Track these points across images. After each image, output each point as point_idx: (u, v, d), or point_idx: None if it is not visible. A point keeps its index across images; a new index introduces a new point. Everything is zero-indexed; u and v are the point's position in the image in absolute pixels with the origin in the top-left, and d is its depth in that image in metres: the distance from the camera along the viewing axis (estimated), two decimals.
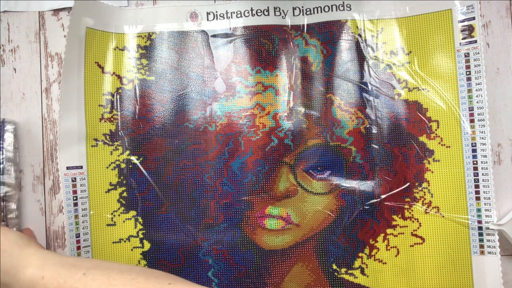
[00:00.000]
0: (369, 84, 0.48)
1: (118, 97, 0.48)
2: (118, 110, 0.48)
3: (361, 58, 0.48)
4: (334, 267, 0.47)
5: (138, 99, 0.48)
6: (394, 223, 0.47)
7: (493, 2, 0.49)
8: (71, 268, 0.33)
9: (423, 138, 0.47)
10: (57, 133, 0.45)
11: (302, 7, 0.49)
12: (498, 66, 0.49)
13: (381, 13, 0.48)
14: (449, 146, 0.47)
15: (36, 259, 0.34)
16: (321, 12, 0.49)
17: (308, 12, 0.49)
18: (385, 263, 0.47)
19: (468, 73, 0.46)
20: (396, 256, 0.47)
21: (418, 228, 0.47)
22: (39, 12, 0.49)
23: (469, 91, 0.46)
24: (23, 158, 0.48)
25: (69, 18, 0.45)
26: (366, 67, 0.48)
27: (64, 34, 0.49)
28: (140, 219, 0.47)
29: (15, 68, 0.49)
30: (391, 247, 0.47)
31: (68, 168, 0.46)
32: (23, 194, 0.48)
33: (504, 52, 0.49)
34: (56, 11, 0.49)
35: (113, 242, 0.47)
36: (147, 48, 0.48)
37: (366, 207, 0.47)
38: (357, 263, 0.47)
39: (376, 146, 0.47)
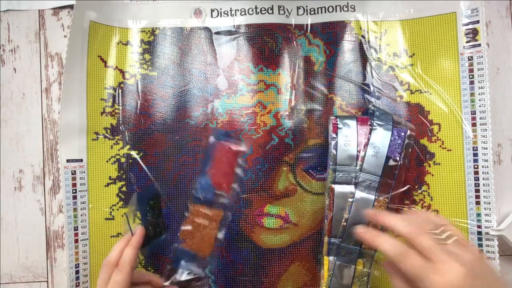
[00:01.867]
0: (371, 86, 0.48)
1: (120, 91, 0.48)
2: (120, 104, 0.48)
3: (364, 59, 0.48)
4: None
5: (140, 94, 0.48)
6: None
7: (493, 2, 0.49)
8: None
9: (424, 141, 0.47)
10: (58, 125, 0.46)
11: (307, 6, 0.49)
12: (498, 66, 0.49)
13: (385, 14, 0.48)
14: (450, 150, 0.47)
15: None
16: (325, 12, 0.49)
17: (312, 12, 0.49)
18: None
19: (471, 76, 0.46)
20: None
21: None
22: (39, 12, 0.49)
23: (472, 94, 0.46)
24: (23, 158, 0.48)
25: (73, 11, 0.45)
26: (368, 69, 0.48)
27: (64, 34, 0.49)
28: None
29: (15, 68, 0.49)
30: None
31: (68, 161, 0.46)
32: (23, 194, 0.48)
33: (504, 52, 0.49)
34: (56, 11, 0.49)
35: (111, 236, 0.47)
36: (150, 43, 0.48)
37: None
38: None
39: None
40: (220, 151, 0.45)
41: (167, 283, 0.44)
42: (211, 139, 0.46)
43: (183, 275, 0.44)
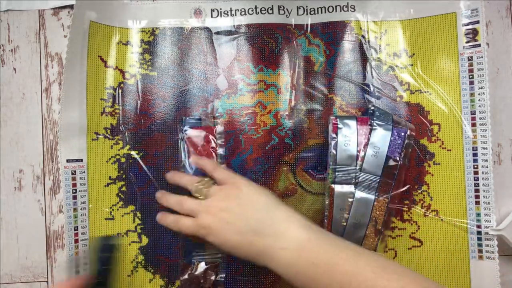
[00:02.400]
0: (371, 86, 0.48)
1: (120, 91, 0.48)
2: (120, 104, 0.48)
3: (363, 59, 0.48)
4: None
5: (140, 94, 0.48)
6: (392, 225, 0.47)
7: (493, 2, 0.49)
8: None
9: (424, 141, 0.47)
10: (58, 125, 0.46)
11: (307, 6, 0.49)
12: (498, 66, 0.49)
13: (385, 14, 0.48)
14: (450, 150, 0.47)
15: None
16: (325, 12, 0.49)
17: (312, 12, 0.49)
18: None
19: (471, 76, 0.46)
20: (393, 258, 0.47)
21: (416, 230, 0.47)
22: (39, 12, 0.49)
23: (472, 95, 0.46)
24: (23, 158, 0.48)
25: (73, 11, 0.45)
26: (368, 69, 0.48)
27: (64, 34, 0.49)
28: (138, 214, 0.47)
29: (15, 68, 0.49)
30: (389, 249, 0.47)
31: (68, 161, 0.46)
32: (23, 194, 0.48)
33: (504, 52, 0.49)
34: (56, 11, 0.49)
35: None
36: (150, 43, 0.48)
37: None
38: None
39: None
40: (193, 137, 0.45)
41: None
42: (181, 129, 0.46)
43: (199, 267, 0.44)
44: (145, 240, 0.47)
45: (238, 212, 0.37)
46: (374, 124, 0.44)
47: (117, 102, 0.48)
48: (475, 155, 0.46)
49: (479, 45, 0.46)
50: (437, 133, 0.47)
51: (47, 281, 0.48)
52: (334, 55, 0.48)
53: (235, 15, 0.49)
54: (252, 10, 0.48)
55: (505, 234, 0.44)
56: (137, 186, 0.47)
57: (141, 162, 0.47)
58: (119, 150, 0.47)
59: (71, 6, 0.49)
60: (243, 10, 0.49)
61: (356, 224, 0.43)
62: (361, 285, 0.31)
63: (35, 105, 0.49)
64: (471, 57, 0.46)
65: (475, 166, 0.46)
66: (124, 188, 0.47)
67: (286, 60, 0.48)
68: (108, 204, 0.47)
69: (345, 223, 0.43)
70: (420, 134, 0.47)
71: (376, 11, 0.48)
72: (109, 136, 0.47)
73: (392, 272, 0.31)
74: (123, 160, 0.47)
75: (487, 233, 0.45)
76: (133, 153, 0.48)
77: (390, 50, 0.48)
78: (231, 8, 0.49)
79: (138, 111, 0.48)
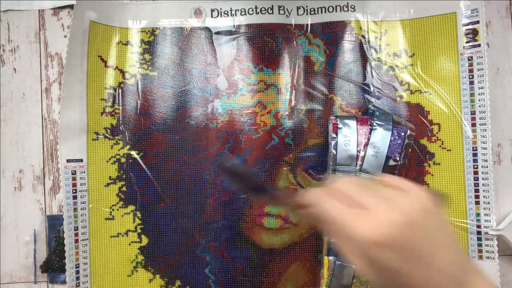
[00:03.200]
0: (371, 86, 0.48)
1: (120, 91, 0.48)
2: (120, 104, 0.48)
3: (364, 59, 0.48)
4: None
5: (140, 94, 0.48)
6: None
7: (493, 2, 0.49)
8: None
9: (424, 141, 0.47)
10: (58, 125, 0.46)
11: (307, 6, 0.49)
12: (498, 66, 0.49)
13: (385, 14, 0.48)
14: (450, 150, 0.47)
15: None
16: (325, 12, 0.49)
17: (312, 12, 0.49)
18: None
19: (471, 76, 0.46)
20: None
21: None
22: (39, 12, 0.49)
23: (472, 95, 0.46)
24: (23, 158, 0.48)
25: (73, 11, 0.46)
26: (368, 69, 0.48)
27: (64, 34, 0.49)
28: (138, 214, 0.47)
29: (15, 68, 0.49)
30: None
31: (68, 161, 0.46)
32: (23, 194, 0.48)
33: (504, 52, 0.49)
34: (56, 11, 0.49)
35: (111, 236, 0.47)
36: (150, 43, 0.48)
37: None
38: None
39: None
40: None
41: None
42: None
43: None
44: (145, 240, 0.47)
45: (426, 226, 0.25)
46: (374, 124, 0.44)
47: (117, 102, 0.48)
48: (475, 155, 0.46)
49: (479, 45, 0.46)
50: (437, 133, 0.47)
51: (47, 281, 0.48)
52: (334, 55, 0.48)
53: (235, 15, 0.49)
54: (252, 10, 0.48)
55: (505, 234, 0.44)
56: (137, 186, 0.47)
57: (141, 162, 0.47)
58: (119, 150, 0.47)
59: (71, 6, 0.49)
60: (243, 10, 0.49)
61: None
62: None
63: (35, 105, 0.49)
64: (471, 57, 0.46)
65: (475, 166, 0.46)
66: (124, 188, 0.47)
67: (286, 60, 0.48)
68: (108, 204, 0.47)
69: None
70: (420, 134, 0.47)
71: (376, 11, 0.48)
72: (109, 136, 0.47)
73: None
74: (123, 160, 0.47)
75: (487, 233, 0.45)
76: (133, 153, 0.48)
77: (390, 50, 0.48)
78: (231, 8, 0.49)
79: (138, 111, 0.48)
